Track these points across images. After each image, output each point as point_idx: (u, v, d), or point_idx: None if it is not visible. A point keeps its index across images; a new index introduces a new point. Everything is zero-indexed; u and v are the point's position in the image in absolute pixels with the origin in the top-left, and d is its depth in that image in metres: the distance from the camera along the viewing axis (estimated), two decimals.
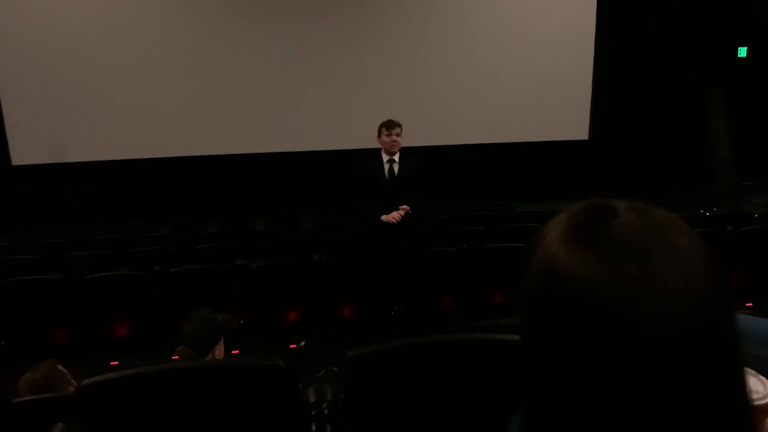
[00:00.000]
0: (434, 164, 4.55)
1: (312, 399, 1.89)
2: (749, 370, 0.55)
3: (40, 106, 7.98)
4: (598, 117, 9.10)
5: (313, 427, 1.77)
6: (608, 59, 8.92)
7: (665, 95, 9.05)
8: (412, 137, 4.64)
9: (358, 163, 4.43)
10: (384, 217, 4.19)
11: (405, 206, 4.22)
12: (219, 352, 2.44)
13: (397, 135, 4.23)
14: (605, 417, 0.49)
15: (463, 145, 8.73)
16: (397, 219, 4.17)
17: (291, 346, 3.89)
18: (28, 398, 1.94)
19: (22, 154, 8.08)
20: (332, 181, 8.25)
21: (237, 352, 3.99)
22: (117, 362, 3.96)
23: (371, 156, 4.37)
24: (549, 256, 0.53)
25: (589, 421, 0.50)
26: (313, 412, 1.80)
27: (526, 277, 0.56)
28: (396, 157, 4.28)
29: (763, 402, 0.66)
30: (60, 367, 2.35)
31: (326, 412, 1.80)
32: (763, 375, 0.68)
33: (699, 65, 9.09)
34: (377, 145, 4.40)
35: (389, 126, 4.26)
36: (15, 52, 7.84)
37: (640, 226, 0.52)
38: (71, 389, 2.22)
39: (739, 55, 9.03)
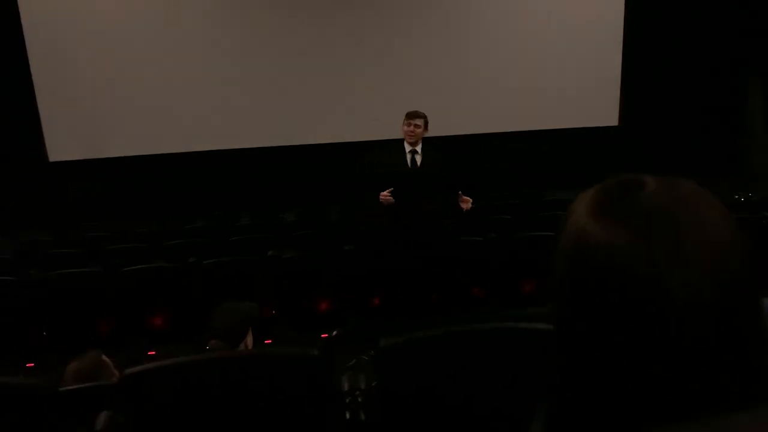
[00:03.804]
0: (461, 154, 4.54)
1: (345, 387, 1.92)
2: None
3: (76, 103, 8.16)
4: (628, 103, 8.92)
5: (347, 415, 1.81)
6: (638, 42, 8.72)
7: (698, 79, 8.82)
8: (438, 127, 4.61)
9: (377, 152, 4.43)
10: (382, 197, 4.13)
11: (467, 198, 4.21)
12: (249, 341, 2.49)
13: (417, 126, 4.22)
14: (636, 390, 0.50)
15: (490, 133, 8.66)
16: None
17: (323, 336, 3.95)
18: (73, 387, 2.01)
19: (58, 150, 8.28)
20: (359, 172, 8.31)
21: (270, 341, 4.06)
22: (154, 352, 4.06)
23: (393, 146, 4.37)
24: (579, 229, 0.54)
25: (619, 397, 0.51)
26: (347, 400, 1.84)
27: (557, 251, 0.57)
28: (418, 149, 4.28)
29: None
30: (104, 357, 2.43)
31: (359, 400, 1.83)
32: None
33: (735, 48, 8.83)
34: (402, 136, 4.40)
35: (410, 115, 4.27)
36: (51, 49, 8.02)
37: (668, 197, 0.52)
38: (114, 379, 2.29)
39: None
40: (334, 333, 3.20)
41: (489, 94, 8.64)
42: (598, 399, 0.53)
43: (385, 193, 4.12)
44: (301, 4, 8.36)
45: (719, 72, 8.87)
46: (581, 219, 0.54)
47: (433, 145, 4.37)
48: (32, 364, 3.99)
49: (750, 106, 8.94)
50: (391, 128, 7.37)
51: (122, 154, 8.26)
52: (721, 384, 0.49)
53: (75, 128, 8.22)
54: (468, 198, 4.22)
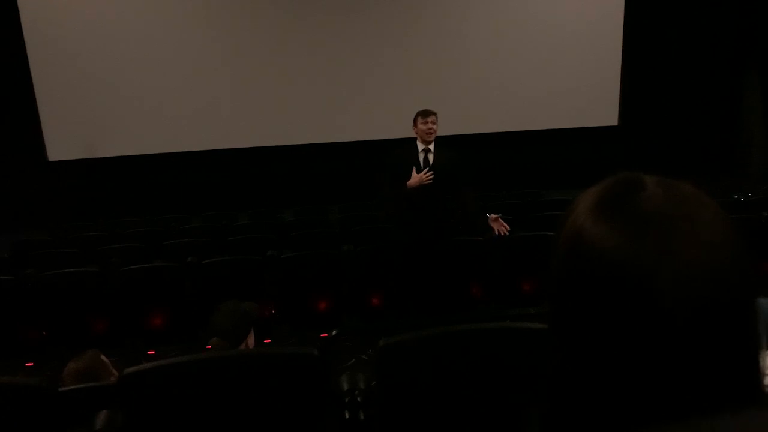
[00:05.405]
0: (463, 152, 4.53)
1: (345, 387, 1.92)
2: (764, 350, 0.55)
3: (76, 103, 8.16)
4: (628, 102, 8.93)
5: (346, 415, 1.81)
6: (637, 42, 8.73)
7: (697, 78, 8.84)
8: (440, 127, 4.60)
9: (395, 151, 4.38)
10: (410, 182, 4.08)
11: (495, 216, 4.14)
12: (251, 341, 2.49)
13: (433, 123, 4.19)
14: (629, 389, 0.50)
15: (489, 133, 8.66)
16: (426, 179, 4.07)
17: (322, 335, 3.95)
18: (73, 387, 2.00)
19: (57, 150, 8.29)
20: (360, 171, 8.32)
21: (269, 341, 4.06)
22: (153, 351, 4.06)
23: (406, 145, 4.32)
24: (577, 226, 0.55)
25: (613, 396, 0.51)
26: (346, 400, 1.84)
27: (556, 247, 0.57)
28: (431, 147, 4.24)
29: None
30: (103, 357, 2.43)
31: (359, 399, 1.83)
32: None
33: (733, 48, 8.84)
34: (405, 135, 4.37)
35: (425, 114, 4.23)
36: (51, 50, 8.02)
37: (665, 198, 0.53)
38: (113, 379, 2.29)
39: None
40: (334, 333, 3.20)
41: (488, 94, 8.65)
42: (593, 398, 0.53)
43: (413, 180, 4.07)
44: (304, 7, 8.36)
45: (718, 72, 8.89)
46: (579, 218, 0.55)
47: (444, 143, 4.34)
48: (31, 364, 3.99)
49: (748, 106, 8.96)
50: (390, 128, 7.45)
51: (122, 154, 8.27)
52: (713, 384, 0.49)
53: (74, 128, 8.23)
54: (505, 225, 4.12)
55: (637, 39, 8.73)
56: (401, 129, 4.71)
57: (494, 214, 4.14)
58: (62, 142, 8.26)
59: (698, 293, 0.49)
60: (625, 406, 0.51)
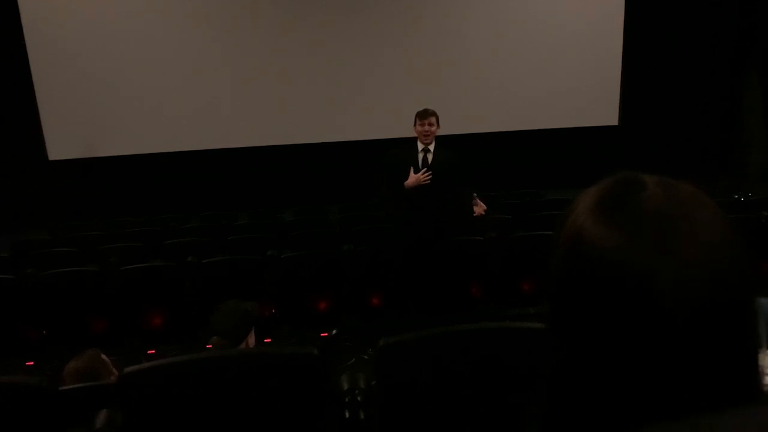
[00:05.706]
0: (462, 153, 4.54)
1: (345, 387, 1.92)
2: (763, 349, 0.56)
3: (76, 102, 8.16)
4: (628, 102, 8.93)
5: (346, 414, 1.81)
6: (637, 42, 8.73)
7: (697, 78, 8.84)
8: (441, 126, 4.60)
9: (391, 151, 4.36)
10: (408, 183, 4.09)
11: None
12: (251, 341, 2.49)
13: (431, 124, 4.16)
14: (628, 389, 0.51)
15: (489, 133, 8.66)
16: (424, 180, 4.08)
17: (322, 335, 3.95)
18: (73, 386, 2.00)
19: (57, 149, 8.29)
20: (360, 171, 8.32)
21: (269, 340, 4.07)
22: (153, 351, 4.07)
23: (406, 144, 4.31)
24: (577, 226, 0.55)
25: (612, 395, 0.51)
26: (346, 399, 1.84)
27: (555, 247, 0.58)
28: (431, 147, 4.22)
29: None
30: (103, 356, 2.43)
31: (359, 399, 1.83)
32: None
33: (733, 48, 8.84)
34: (405, 135, 4.36)
35: (422, 115, 4.20)
36: (51, 50, 8.02)
37: (664, 198, 0.53)
38: (113, 378, 2.29)
39: None
40: (334, 332, 3.20)
41: (488, 94, 8.65)
42: (593, 398, 0.53)
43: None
44: (304, 7, 8.35)
45: (718, 72, 8.88)
46: (579, 218, 0.55)
47: (445, 143, 4.32)
48: (31, 363, 3.99)
49: (748, 106, 8.96)
50: (389, 128, 7.44)
51: (122, 154, 8.28)
52: (712, 383, 0.50)
53: (74, 128, 8.23)
54: (483, 205, 4.19)
55: (637, 39, 8.73)
56: (401, 129, 4.71)
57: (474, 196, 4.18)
58: (62, 142, 8.26)
59: (698, 293, 0.49)
60: (625, 406, 0.51)
